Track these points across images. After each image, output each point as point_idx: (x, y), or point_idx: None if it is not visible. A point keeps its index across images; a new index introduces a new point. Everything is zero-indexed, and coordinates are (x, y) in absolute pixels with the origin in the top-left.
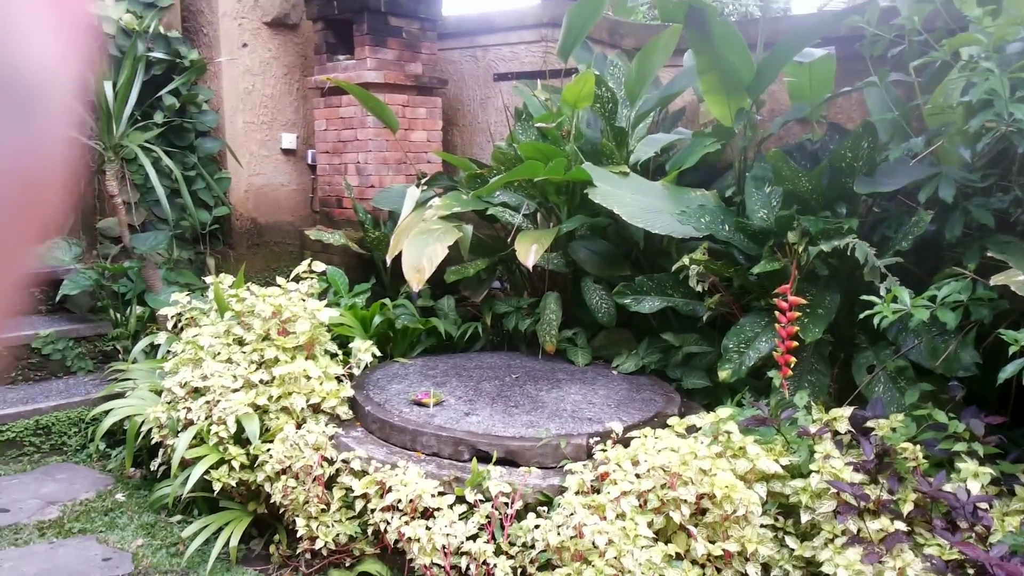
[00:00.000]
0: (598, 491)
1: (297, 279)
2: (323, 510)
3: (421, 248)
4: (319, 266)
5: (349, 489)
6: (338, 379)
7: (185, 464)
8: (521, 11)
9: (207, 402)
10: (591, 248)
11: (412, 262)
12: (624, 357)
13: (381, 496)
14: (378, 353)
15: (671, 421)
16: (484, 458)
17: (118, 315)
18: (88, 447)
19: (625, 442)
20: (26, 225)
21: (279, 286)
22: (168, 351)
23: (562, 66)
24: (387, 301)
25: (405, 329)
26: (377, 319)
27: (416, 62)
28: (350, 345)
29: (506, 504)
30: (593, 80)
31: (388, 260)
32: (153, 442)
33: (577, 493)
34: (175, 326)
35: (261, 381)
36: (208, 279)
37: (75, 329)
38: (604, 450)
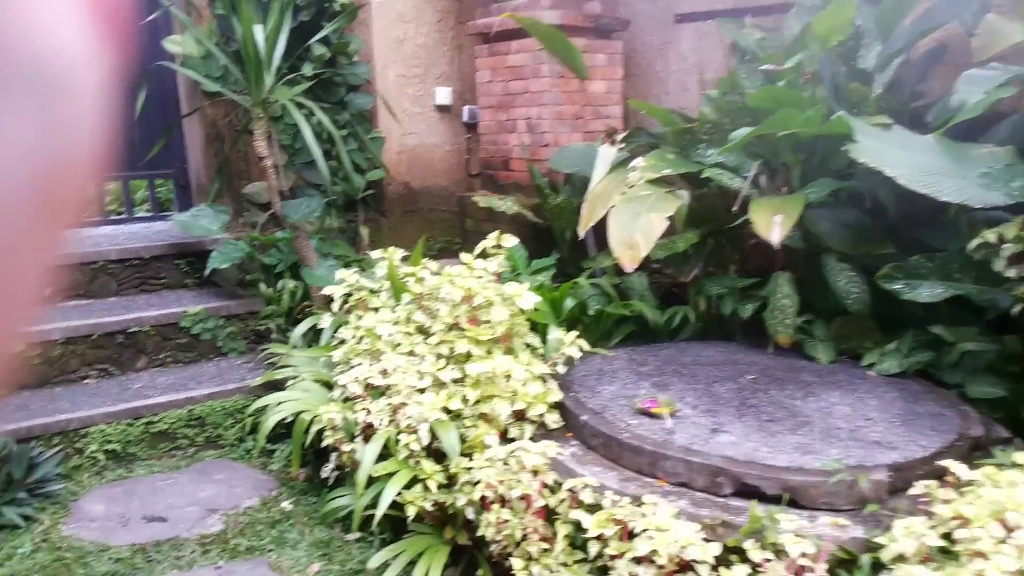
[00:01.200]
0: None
1: (483, 255)
2: (545, 550)
3: (632, 219)
4: (509, 239)
5: (577, 525)
6: (542, 379)
7: (370, 480)
8: None
9: (390, 403)
10: (837, 219)
11: (622, 236)
12: (877, 354)
13: (621, 538)
14: (587, 347)
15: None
16: (750, 493)
17: (270, 290)
18: (246, 441)
19: (938, 475)
20: (51, 214)
21: (464, 263)
22: (334, 336)
23: (771, 1)
24: (580, 280)
25: (600, 314)
26: (569, 302)
27: (594, 0)
28: (547, 335)
29: (808, 569)
30: (852, 6)
31: (581, 232)
32: (324, 444)
33: (920, 562)
34: (341, 306)
35: (453, 380)
36: (374, 253)
37: (225, 306)
38: (933, 495)
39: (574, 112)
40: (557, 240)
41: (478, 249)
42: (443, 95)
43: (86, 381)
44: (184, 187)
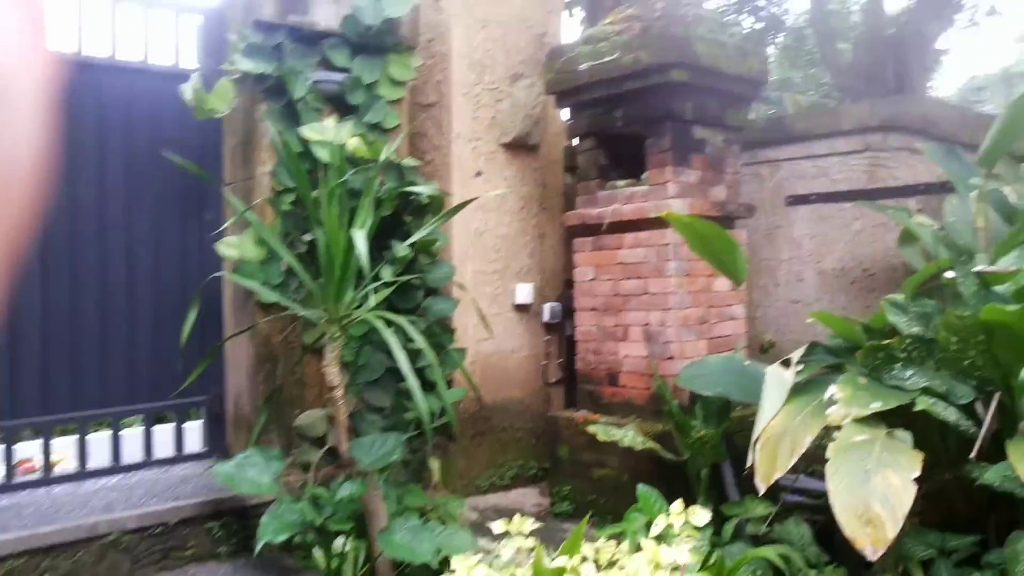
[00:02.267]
0: None
1: (664, 537)
2: None
3: (861, 480)
4: (701, 515)
5: None
6: None
7: None
8: (835, 114)
9: None
10: None
11: (855, 506)
12: None
13: None
14: None
15: None
16: None
17: (328, 559)
18: None
19: None
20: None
21: (639, 545)
22: None
23: (891, 184)
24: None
25: None
26: None
27: (720, 184)
28: None
29: None
30: None
31: (763, 484)
32: None
33: None
34: None
35: None
36: (496, 526)
37: None
38: None
39: (699, 316)
40: (690, 479)
41: (656, 528)
42: (524, 293)
43: None
44: (218, 418)
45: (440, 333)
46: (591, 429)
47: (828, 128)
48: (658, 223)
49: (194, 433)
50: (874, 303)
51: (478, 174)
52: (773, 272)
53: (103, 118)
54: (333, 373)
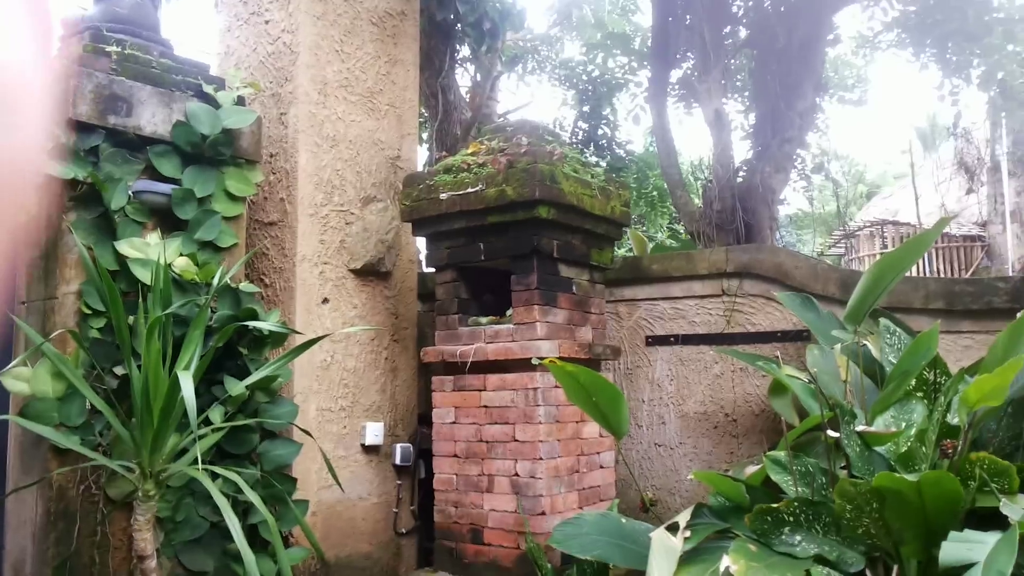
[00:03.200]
0: None
1: None
2: None
3: None
4: None
5: None
6: None
7: None
8: (690, 257)
9: None
10: None
11: None
12: None
13: None
14: None
15: None
16: None
17: None
18: None
19: None
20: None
21: None
22: None
23: (749, 329)
24: None
25: None
26: None
27: (586, 325)
28: None
29: None
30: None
31: None
32: None
33: None
34: None
35: None
36: None
37: None
38: None
39: (570, 465)
40: None
41: None
42: (374, 432)
43: None
44: None
45: (278, 483)
46: None
47: (685, 271)
48: (525, 365)
49: None
50: (738, 449)
51: (325, 301)
52: (634, 413)
53: None
54: (145, 540)
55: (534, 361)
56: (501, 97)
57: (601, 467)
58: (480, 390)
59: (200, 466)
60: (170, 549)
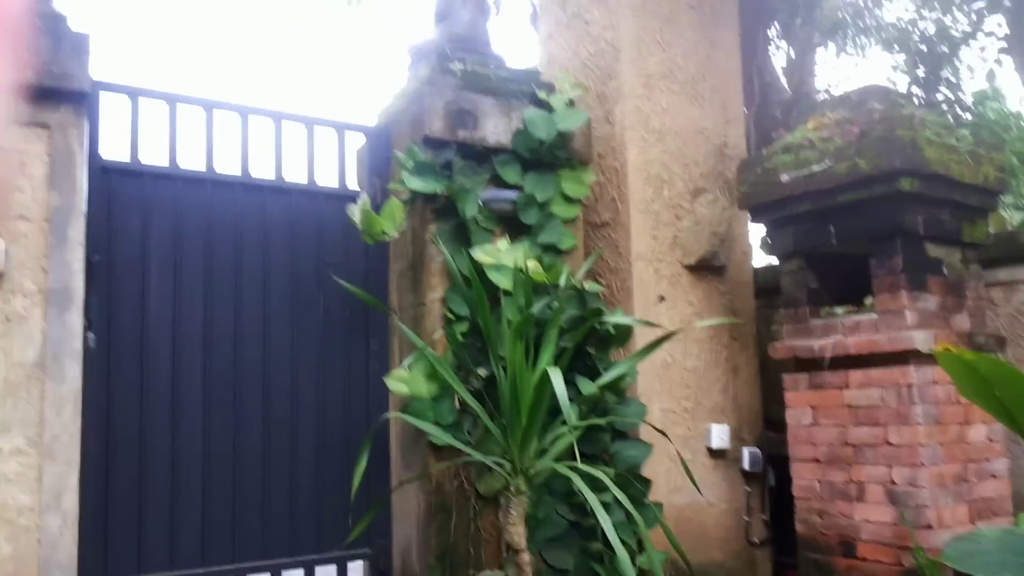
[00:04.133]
0: None
1: None
2: None
3: None
4: None
5: None
6: None
7: None
8: None
9: None
10: None
11: None
12: None
13: None
14: None
15: None
16: None
17: None
18: None
19: None
20: None
21: None
22: None
23: None
24: None
25: None
26: None
27: (962, 312)
28: None
29: None
30: None
31: None
32: None
33: None
34: None
35: None
36: None
37: None
38: None
39: (956, 473)
40: None
41: None
42: (719, 435)
43: None
44: (383, 573)
45: (632, 483)
46: None
47: None
48: (894, 359)
49: None
50: None
51: (661, 299)
52: None
53: (267, 240)
54: (519, 534)
55: (925, 350)
56: (819, 71)
57: (993, 477)
58: (841, 388)
59: (567, 464)
60: (533, 546)
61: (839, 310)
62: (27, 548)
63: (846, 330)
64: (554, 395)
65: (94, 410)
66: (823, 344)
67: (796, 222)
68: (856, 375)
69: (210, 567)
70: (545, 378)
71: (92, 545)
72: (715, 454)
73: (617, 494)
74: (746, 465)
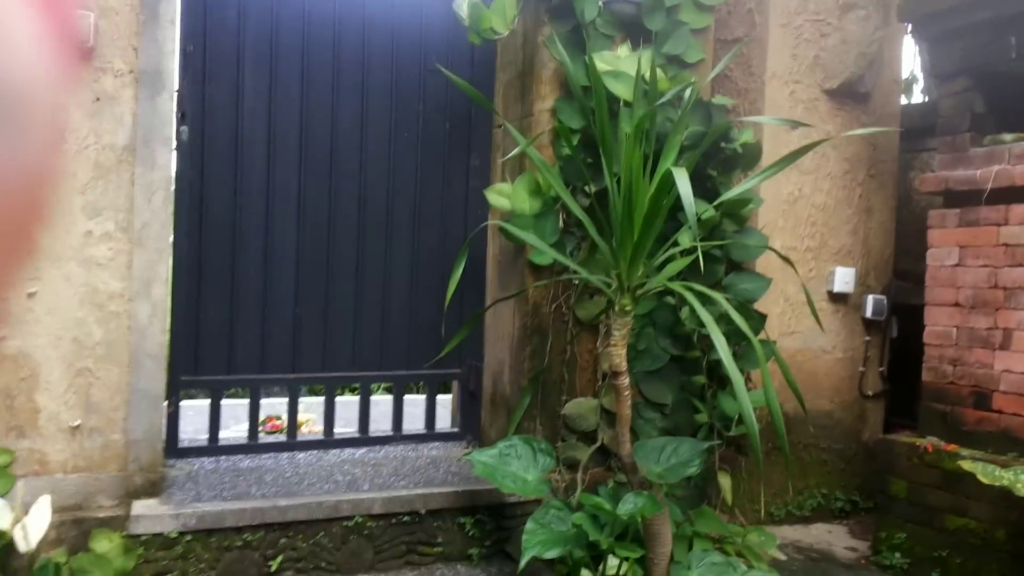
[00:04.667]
0: None
1: None
2: None
3: None
4: None
5: None
6: None
7: None
8: None
9: None
10: None
11: None
12: None
13: None
14: None
15: None
16: None
17: None
18: None
19: None
20: (10, 235)
21: None
22: None
23: None
24: None
25: None
26: None
27: None
28: None
29: None
30: None
31: None
32: None
33: None
34: None
35: None
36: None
37: None
38: None
39: None
40: None
41: None
42: (843, 279)
43: None
44: (472, 395)
45: (747, 317)
46: (963, 465)
47: None
48: None
49: (444, 409)
50: None
51: (795, 126)
52: None
53: (367, 43)
54: (619, 356)
55: None
56: None
57: None
58: (999, 224)
59: (682, 282)
60: (631, 377)
61: (1007, 137)
62: (117, 334)
63: (1014, 159)
64: (671, 211)
65: (186, 203)
66: (984, 173)
67: (968, 34)
68: (1018, 210)
69: (300, 373)
70: (663, 187)
71: (183, 339)
72: (836, 298)
73: (737, 319)
74: (868, 312)
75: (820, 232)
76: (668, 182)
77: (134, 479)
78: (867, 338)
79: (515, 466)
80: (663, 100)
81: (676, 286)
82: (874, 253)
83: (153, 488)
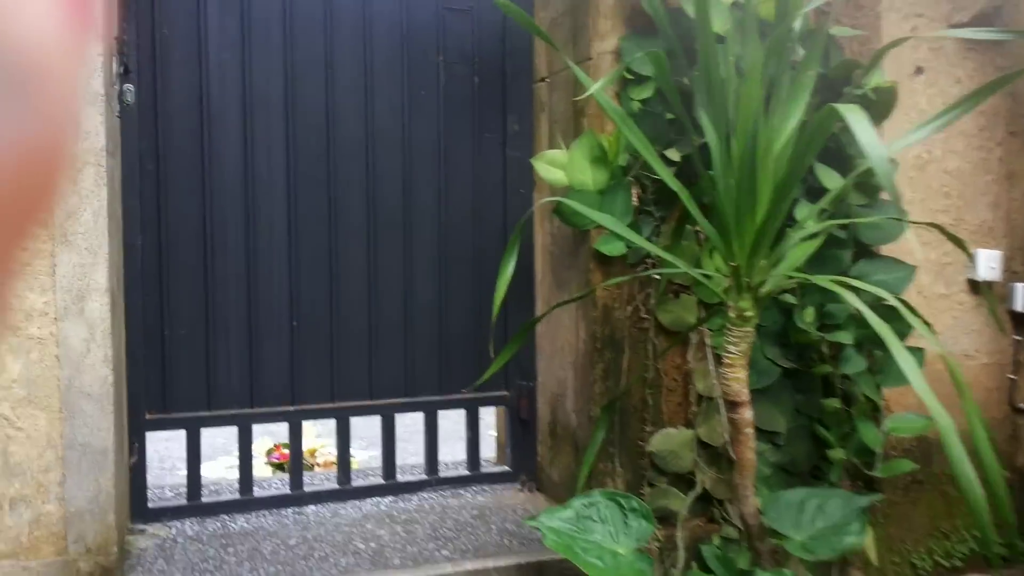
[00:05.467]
0: None
1: None
2: None
3: None
4: None
5: None
6: None
7: None
8: None
9: None
10: None
11: None
12: None
13: None
14: None
15: None
16: None
17: None
18: None
19: None
20: (20, 216)
21: None
22: None
23: None
24: None
25: None
26: None
27: None
28: None
29: None
30: None
31: None
32: None
33: None
34: None
35: None
36: None
37: None
38: None
39: None
40: None
41: None
42: (989, 263)
43: None
44: (525, 423)
45: (887, 320)
46: None
47: None
48: None
49: (487, 442)
50: None
51: (918, 71)
52: None
53: None
54: (739, 381)
55: None
56: None
57: None
58: None
59: (832, 277)
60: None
61: None
62: (41, 367)
63: None
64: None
65: (138, 187)
66: None
67: None
68: None
69: (302, 404)
70: (809, 142)
71: (146, 366)
72: (975, 287)
73: (912, 318)
74: (1018, 305)
75: (955, 205)
76: (815, 133)
77: (78, 565)
78: (1017, 338)
79: (599, 534)
80: (777, 32)
81: (824, 280)
82: (1019, 230)
83: None
